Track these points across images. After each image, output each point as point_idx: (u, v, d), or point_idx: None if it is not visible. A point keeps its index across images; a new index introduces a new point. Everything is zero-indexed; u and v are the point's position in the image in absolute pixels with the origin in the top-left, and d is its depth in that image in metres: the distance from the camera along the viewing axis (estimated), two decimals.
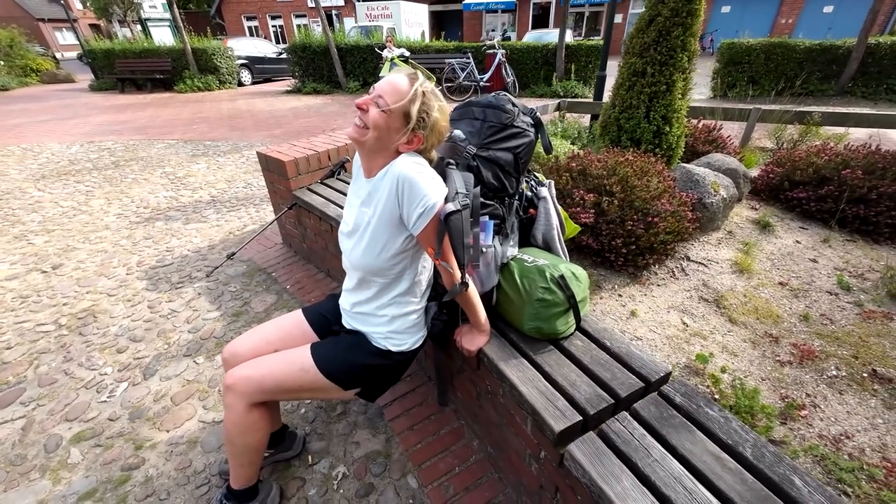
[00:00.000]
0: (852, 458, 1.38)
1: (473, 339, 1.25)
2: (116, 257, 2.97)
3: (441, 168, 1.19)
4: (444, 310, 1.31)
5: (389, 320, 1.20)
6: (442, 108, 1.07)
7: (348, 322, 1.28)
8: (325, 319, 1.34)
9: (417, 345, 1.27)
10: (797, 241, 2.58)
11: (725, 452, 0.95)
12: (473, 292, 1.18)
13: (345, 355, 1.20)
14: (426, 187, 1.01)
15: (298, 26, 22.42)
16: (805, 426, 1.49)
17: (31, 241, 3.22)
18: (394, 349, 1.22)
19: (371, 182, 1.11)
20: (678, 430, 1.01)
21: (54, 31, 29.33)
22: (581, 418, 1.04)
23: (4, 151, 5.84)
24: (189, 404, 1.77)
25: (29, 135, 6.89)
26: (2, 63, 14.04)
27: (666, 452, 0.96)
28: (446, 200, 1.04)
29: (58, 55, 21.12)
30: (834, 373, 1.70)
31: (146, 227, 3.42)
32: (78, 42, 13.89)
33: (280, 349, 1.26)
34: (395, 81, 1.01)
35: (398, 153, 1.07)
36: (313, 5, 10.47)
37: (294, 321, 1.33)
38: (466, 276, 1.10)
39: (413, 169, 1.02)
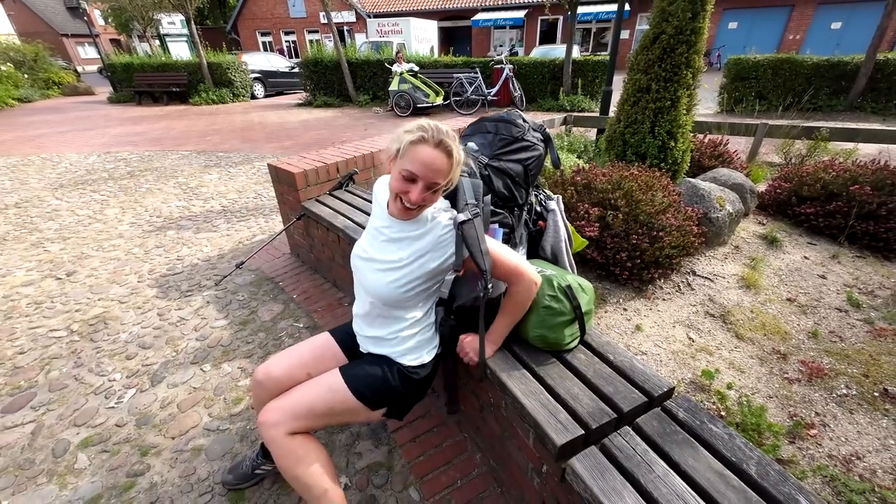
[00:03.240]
0: (863, 480, 1.35)
1: (474, 343, 1.25)
2: (129, 265, 3.03)
3: None
4: (452, 315, 1.32)
5: (404, 339, 1.21)
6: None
7: (364, 346, 1.29)
8: (351, 339, 1.35)
9: (434, 354, 1.26)
10: (805, 257, 2.55)
11: (729, 470, 0.94)
12: (522, 308, 1.19)
13: (371, 374, 1.20)
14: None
15: (311, 41, 22.98)
16: (814, 445, 1.46)
17: (48, 249, 3.30)
18: (415, 364, 1.22)
19: (407, 225, 1.12)
20: (681, 446, 1.00)
21: (77, 45, 30.39)
22: (583, 432, 1.04)
23: (25, 161, 6.03)
24: (195, 412, 1.79)
25: (49, 145, 7.11)
26: (26, 76, 14.55)
27: (669, 469, 0.95)
28: (458, 211, 1.10)
29: (79, 69, 21.86)
30: (844, 391, 1.67)
31: (158, 236, 3.49)
32: (99, 56, 14.38)
33: (312, 370, 1.26)
34: (435, 163, 1.00)
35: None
36: (326, 21, 10.75)
37: (324, 342, 1.34)
38: (490, 283, 1.10)
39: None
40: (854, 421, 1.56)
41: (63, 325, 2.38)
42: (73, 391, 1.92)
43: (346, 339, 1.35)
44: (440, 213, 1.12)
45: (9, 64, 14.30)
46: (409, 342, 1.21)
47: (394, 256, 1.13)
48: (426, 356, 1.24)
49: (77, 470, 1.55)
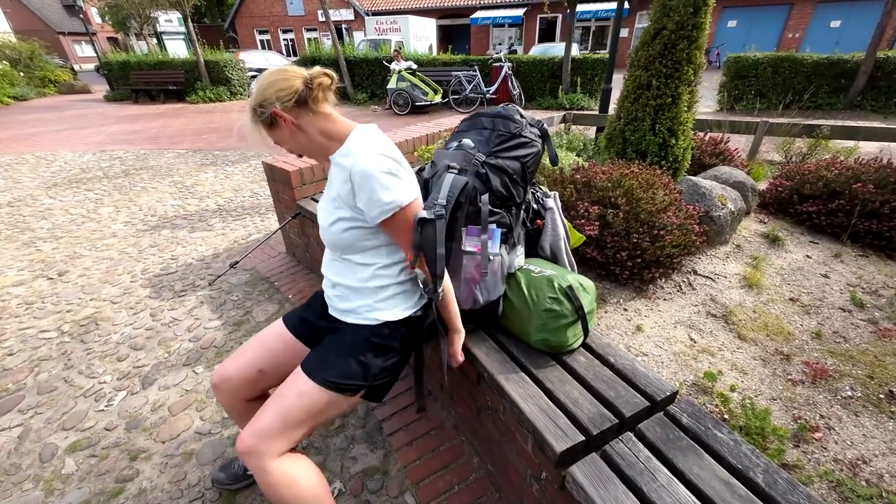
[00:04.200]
0: (870, 485, 1.31)
1: (455, 343, 1.20)
2: (122, 265, 2.98)
3: (441, 172, 1.20)
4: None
5: (374, 290, 1.10)
6: (255, 84, 1.00)
7: (333, 305, 1.18)
8: (307, 323, 1.25)
9: (410, 314, 1.12)
10: (808, 256, 2.52)
11: (735, 478, 0.90)
12: (450, 298, 1.12)
13: (335, 356, 1.10)
14: (381, 188, 0.95)
15: (309, 40, 22.88)
16: (819, 449, 1.43)
17: (40, 248, 3.26)
18: (386, 319, 1.10)
19: (332, 160, 1.06)
20: (685, 452, 0.97)
21: (74, 43, 30.23)
22: (584, 438, 1.00)
23: (19, 160, 5.97)
24: (186, 415, 1.75)
25: (44, 143, 7.05)
26: (21, 74, 14.46)
27: (672, 477, 0.92)
28: (425, 207, 1.03)
29: (76, 67, 21.75)
30: (849, 393, 1.63)
31: (152, 235, 3.44)
32: (95, 54, 14.29)
33: (263, 366, 1.21)
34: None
35: (320, 132, 1.03)
36: (324, 20, 10.68)
37: (275, 334, 1.25)
38: (440, 287, 1.05)
39: (372, 166, 0.95)
40: (859, 424, 1.52)
41: (54, 325, 2.34)
42: (62, 394, 1.88)
43: (300, 323, 1.25)
44: (343, 156, 1.03)
45: (4, 62, 14.20)
46: (382, 293, 1.10)
47: (331, 195, 1.07)
48: (400, 313, 1.11)
49: (64, 475, 1.51)
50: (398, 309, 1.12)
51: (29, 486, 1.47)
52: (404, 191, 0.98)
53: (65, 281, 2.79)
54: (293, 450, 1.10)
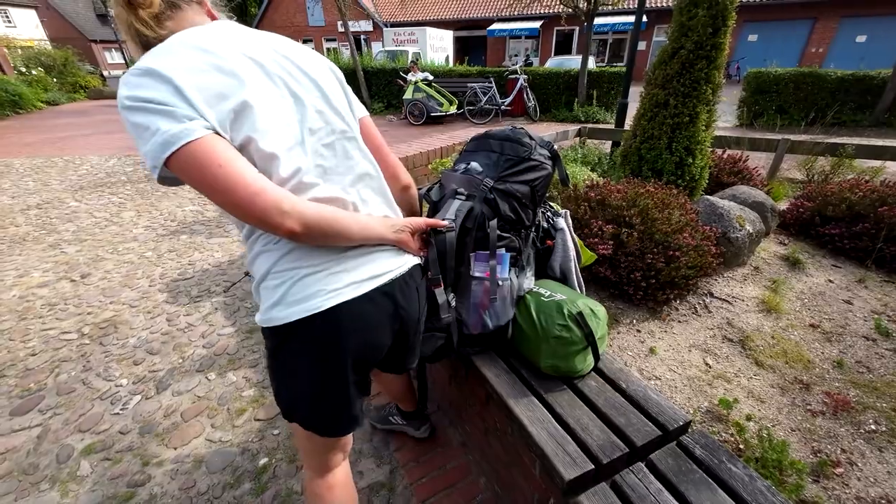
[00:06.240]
0: None
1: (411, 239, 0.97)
2: (141, 269, 3.06)
3: (448, 197, 1.23)
4: (441, 331, 1.24)
5: (255, 256, 0.82)
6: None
7: None
8: None
9: (286, 318, 0.78)
10: (830, 281, 2.45)
11: None
12: (328, 216, 0.77)
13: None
14: (136, 137, 0.65)
15: (328, 49, 23.39)
16: (840, 486, 1.38)
17: (64, 251, 3.37)
18: (265, 324, 0.81)
19: None
20: (698, 486, 0.95)
21: (104, 51, 31.44)
22: (593, 467, 0.99)
23: (49, 163, 6.20)
24: (198, 421, 1.77)
25: (72, 147, 7.31)
26: (55, 80, 15.09)
27: None
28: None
29: (105, 73, 22.61)
30: (872, 427, 1.57)
31: (171, 240, 3.53)
32: (124, 61, 14.84)
33: None
34: None
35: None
36: (343, 30, 10.92)
37: None
38: (450, 296, 1.17)
39: (119, 95, 0.65)
40: (884, 460, 1.46)
41: (74, 327, 2.41)
42: (80, 395, 1.93)
43: None
44: None
45: (39, 68, 14.84)
46: (260, 262, 0.81)
47: None
48: (272, 311, 0.79)
49: (79, 477, 1.54)
50: (266, 307, 0.80)
51: (46, 487, 1.51)
52: (163, 132, 0.61)
53: (87, 283, 2.88)
54: (339, 479, 1.00)
